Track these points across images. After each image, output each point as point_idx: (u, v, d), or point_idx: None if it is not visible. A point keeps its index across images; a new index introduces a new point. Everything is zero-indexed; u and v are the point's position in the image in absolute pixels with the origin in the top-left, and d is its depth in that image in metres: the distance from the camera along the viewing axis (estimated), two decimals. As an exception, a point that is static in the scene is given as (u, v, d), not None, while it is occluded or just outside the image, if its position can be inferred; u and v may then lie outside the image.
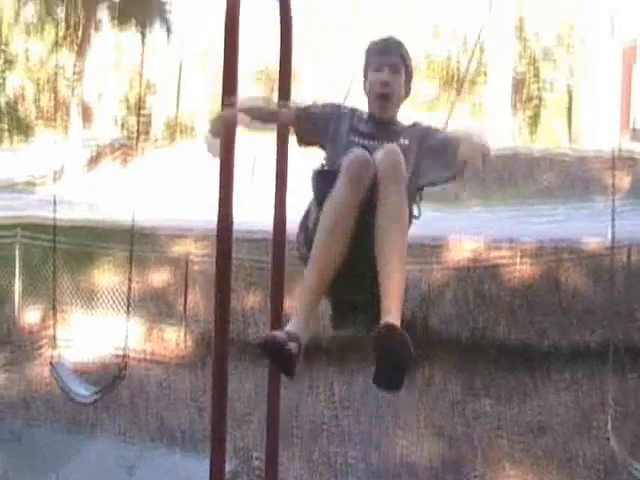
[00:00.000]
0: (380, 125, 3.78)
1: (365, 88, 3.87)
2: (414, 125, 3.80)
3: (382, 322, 3.18)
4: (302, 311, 3.57)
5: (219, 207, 6.35)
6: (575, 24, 48.58)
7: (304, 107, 4.04)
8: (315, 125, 3.95)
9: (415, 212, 3.70)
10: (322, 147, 3.99)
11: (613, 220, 8.50)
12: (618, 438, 7.63)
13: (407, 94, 3.85)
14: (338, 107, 4.01)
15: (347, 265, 3.44)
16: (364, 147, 3.54)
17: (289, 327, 3.46)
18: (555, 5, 46.53)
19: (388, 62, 3.75)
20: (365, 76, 3.87)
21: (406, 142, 3.69)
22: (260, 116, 4.27)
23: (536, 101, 49.91)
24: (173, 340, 13.18)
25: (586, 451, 8.41)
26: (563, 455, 8.46)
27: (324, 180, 3.60)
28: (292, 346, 3.31)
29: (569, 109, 49.12)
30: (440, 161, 3.65)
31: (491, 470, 8.14)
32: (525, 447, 8.76)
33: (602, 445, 7.36)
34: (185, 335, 13.10)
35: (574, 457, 8.36)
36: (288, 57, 7.05)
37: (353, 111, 3.92)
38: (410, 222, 3.54)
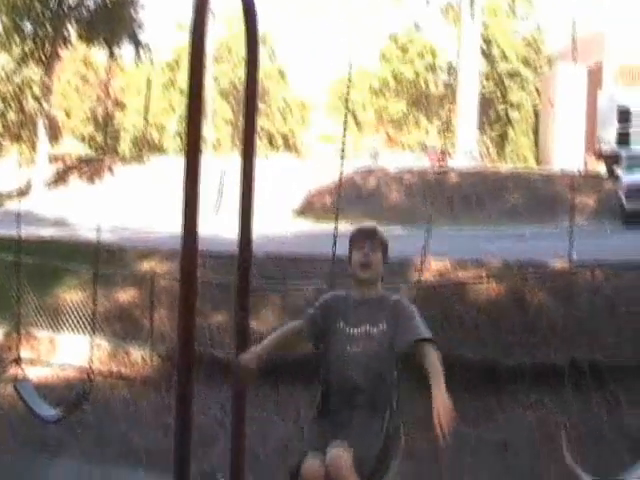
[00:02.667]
0: (364, 307, 4.67)
1: (350, 264, 4.78)
2: (394, 304, 4.69)
3: None
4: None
5: (184, 224, 6.35)
6: (542, 47, 49.03)
7: (308, 316, 4.83)
8: (317, 325, 4.78)
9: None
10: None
11: (572, 240, 8.63)
12: (574, 456, 7.67)
13: (385, 263, 4.81)
14: (331, 301, 4.83)
15: None
16: (350, 336, 4.61)
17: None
18: (521, 27, 46.90)
19: (369, 242, 4.78)
20: (350, 254, 4.82)
21: (384, 327, 4.60)
22: (279, 346, 5.02)
23: (503, 121, 50.32)
24: (139, 358, 13.11)
25: (550, 470, 8.45)
26: (527, 474, 8.50)
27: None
28: None
29: (535, 129, 49.60)
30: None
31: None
32: (489, 466, 8.79)
33: (564, 463, 7.37)
34: (151, 353, 13.04)
35: (537, 476, 8.41)
36: (254, 76, 7.08)
37: (344, 298, 4.79)
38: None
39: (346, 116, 7.81)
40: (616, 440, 9.37)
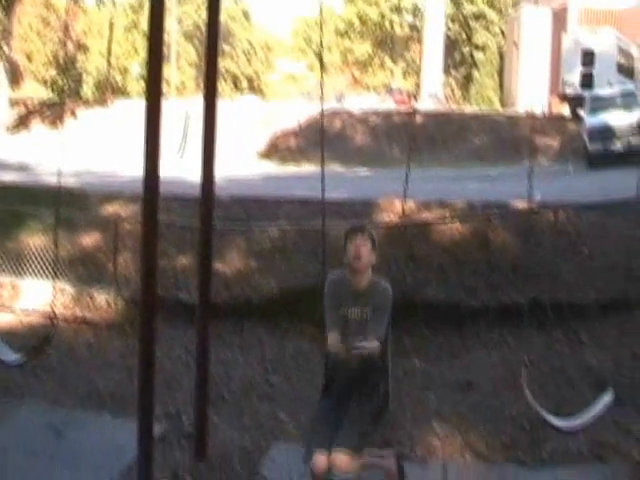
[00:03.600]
0: (355, 292, 5.97)
1: (345, 256, 5.94)
2: (381, 290, 6.04)
3: None
4: None
5: (145, 166, 6.31)
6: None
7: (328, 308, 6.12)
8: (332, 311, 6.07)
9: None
10: None
11: (530, 181, 8.72)
12: (535, 393, 7.79)
13: (374, 258, 6.01)
14: (334, 287, 6.10)
15: None
16: (346, 317, 6.00)
17: None
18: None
19: (359, 236, 5.92)
20: (345, 248, 5.93)
21: (368, 311, 5.95)
22: None
23: (468, 63, 50.14)
24: (103, 302, 13.08)
25: (512, 406, 8.56)
26: (489, 411, 8.60)
27: None
28: None
29: (500, 71, 49.50)
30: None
31: (419, 427, 8.24)
32: (453, 404, 8.87)
33: (526, 401, 7.47)
34: (115, 297, 13.01)
35: (500, 412, 8.50)
36: (216, 18, 6.98)
37: (341, 282, 6.04)
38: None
39: (321, 62, 7.80)
40: (577, 377, 9.48)
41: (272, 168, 27.06)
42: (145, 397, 6.62)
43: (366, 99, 38.29)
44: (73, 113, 34.74)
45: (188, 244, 13.13)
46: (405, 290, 11.93)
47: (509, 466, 7.35)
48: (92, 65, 56.41)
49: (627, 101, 24.89)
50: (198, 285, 7.88)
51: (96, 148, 27.52)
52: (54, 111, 35.92)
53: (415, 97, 41.08)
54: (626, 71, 35.42)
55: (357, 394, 6.08)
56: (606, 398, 7.14)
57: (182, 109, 28.06)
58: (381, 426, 6.35)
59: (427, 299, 11.71)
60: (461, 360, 10.31)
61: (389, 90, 44.20)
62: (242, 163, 26.10)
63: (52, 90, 51.63)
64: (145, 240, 6.50)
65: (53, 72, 53.32)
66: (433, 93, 38.89)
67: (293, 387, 9.77)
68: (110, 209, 15.99)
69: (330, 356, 6.27)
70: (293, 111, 32.98)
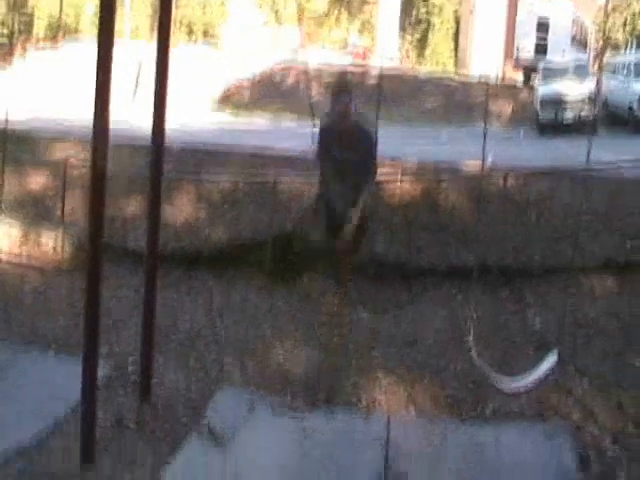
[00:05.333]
0: (341, 134, 7.12)
1: (331, 106, 7.08)
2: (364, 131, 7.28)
3: None
4: None
5: (95, 110, 6.23)
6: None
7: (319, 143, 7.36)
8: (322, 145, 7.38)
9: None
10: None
11: (483, 144, 8.78)
12: (479, 352, 7.92)
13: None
14: (325, 131, 7.41)
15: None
16: (335, 159, 7.22)
17: None
18: None
19: (344, 94, 7.06)
20: (331, 100, 7.09)
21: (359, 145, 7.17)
22: None
23: (424, 24, 50.01)
24: (50, 245, 12.95)
25: (457, 363, 8.68)
26: (435, 366, 8.71)
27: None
28: None
29: (456, 34, 49.49)
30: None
31: (365, 379, 8.33)
32: (399, 358, 8.97)
33: (471, 358, 7.60)
34: (62, 240, 12.88)
35: (444, 368, 8.62)
36: None
37: (331, 129, 7.23)
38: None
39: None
40: (521, 337, 9.63)
41: (225, 118, 26.84)
42: (90, 340, 6.60)
43: (321, 54, 38.02)
44: (23, 54, 34.06)
45: (138, 192, 13.01)
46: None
47: (452, 422, 7.46)
48: (44, 4, 55.17)
49: (580, 72, 25.02)
50: (147, 228, 7.85)
51: (46, 90, 27.03)
52: (3, 51, 35.15)
53: (370, 54, 40.95)
54: (579, 42, 35.62)
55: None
56: (551, 360, 7.27)
57: (135, 54, 27.61)
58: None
59: (376, 256, 11.75)
60: (408, 316, 10.39)
61: (344, 46, 43.97)
62: (195, 113, 25.86)
63: (1, 29, 50.47)
64: (94, 183, 6.45)
65: (2, 10, 52.09)
66: (388, 52, 38.80)
67: (239, 335, 9.79)
68: (59, 152, 15.75)
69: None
70: (248, 62, 32.69)
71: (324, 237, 7.99)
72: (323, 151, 7.26)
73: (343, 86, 7.36)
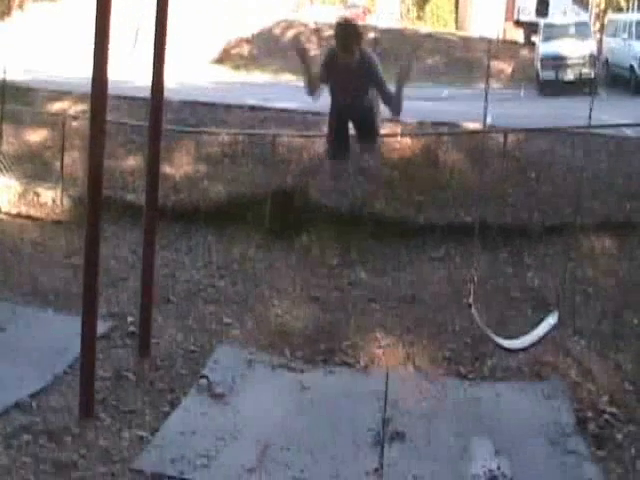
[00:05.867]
0: (344, 63, 6.85)
1: (335, 40, 6.89)
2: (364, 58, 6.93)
3: None
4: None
5: (94, 63, 6.18)
6: None
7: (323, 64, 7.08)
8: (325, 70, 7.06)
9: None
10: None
11: (485, 102, 8.73)
12: (480, 310, 7.93)
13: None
14: (328, 58, 7.07)
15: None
16: (340, 85, 7.12)
17: None
18: None
19: (347, 34, 6.86)
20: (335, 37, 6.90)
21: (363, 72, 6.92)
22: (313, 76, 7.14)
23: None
24: (49, 200, 12.91)
25: (455, 321, 8.69)
26: (433, 325, 8.72)
27: None
28: None
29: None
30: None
31: (363, 336, 8.34)
32: (397, 316, 8.98)
33: (471, 317, 7.60)
34: (61, 195, 12.84)
35: (443, 327, 8.63)
36: None
37: (331, 53, 7.01)
38: None
39: None
40: (520, 297, 9.64)
41: (225, 75, 26.68)
42: (89, 294, 6.59)
43: (322, 11, 37.67)
44: (20, 6, 33.72)
45: (138, 146, 12.97)
46: (353, 203, 11.97)
47: (450, 379, 7.49)
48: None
49: (580, 31, 24.90)
50: (145, 186, 7.81)
51: (45, 44, 26.81)
52: (-1, 3, 34.80)
53: (370, 12, 40.59)
54: (581, 2, 35.36)
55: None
56: (551, 320, 7.28)
57: (135, 7, 27.34)
58: None
59: (375, 213, 11.73)
60: (407, 274, 10.39)
61: (346, 3, 43.57)
62: (195, 69, 25.71)
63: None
64: (92, 137, 6.41)
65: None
66: (389, 10, 38.52)
67: (238, 292, 9.80)
68: (59, 106, 15.68)
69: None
70: (247, 20, 32.45)
71: (342, 149, 7.96)
72: (327, 75, 7.14)
73: (348, 25, 7.20)
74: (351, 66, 6.88)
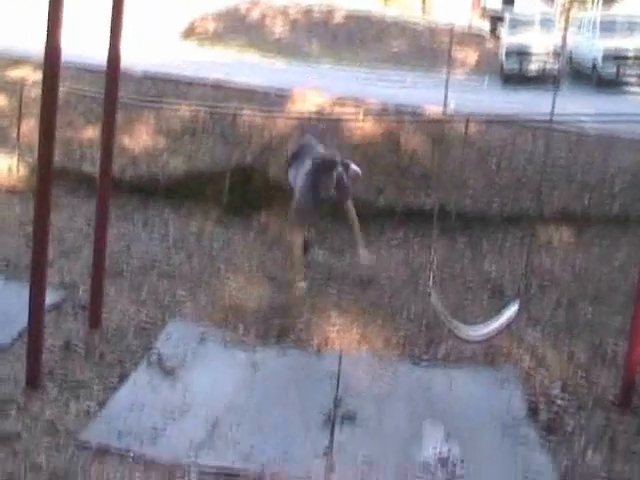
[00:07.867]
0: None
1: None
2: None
3: None
4: None
5: (47, 33, 6.02)
6: None
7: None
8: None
9: None
10: None
11: (446, 89, 8.77)
12: (438, 295, 7.92)
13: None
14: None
15: None
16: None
17: None
18: None
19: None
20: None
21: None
22: None
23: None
24: (5, 167, 12.72)
25: (411, 306, 8.66)
26: (389, 308, 8.68)
27: None
28: None
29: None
30: None
31: (318, 317, 8.28)
32: (353, 298, 8.93)
33: (427, 301, 7.57)
34: (17, 163, 12.65)
35: (399, 310, 8.60)
36: None
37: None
38: None
39: None
40: (476, 284, 9.64)
41: (189, 50, 26.42)
42: (38, 264, 6.47)
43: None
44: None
45: (97, 116, 12.77)
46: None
47: (404, 363, 7.45)
48: None
49: (546, 25, 24.98)
50: (100, 156, 7.68)
51: (3, 12, 26.40)
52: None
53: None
54: (548, -4, 35.55)
55: None
56: (512, 309, 7.28)
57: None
58: None
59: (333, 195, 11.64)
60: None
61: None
62: (160, 43, 25.44)
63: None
64: (44, 103, 6.26)
65: None
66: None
67: (193, 267, 9.70)
68: (17, 73, 15.41)
69: None
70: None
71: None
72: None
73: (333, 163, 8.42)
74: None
